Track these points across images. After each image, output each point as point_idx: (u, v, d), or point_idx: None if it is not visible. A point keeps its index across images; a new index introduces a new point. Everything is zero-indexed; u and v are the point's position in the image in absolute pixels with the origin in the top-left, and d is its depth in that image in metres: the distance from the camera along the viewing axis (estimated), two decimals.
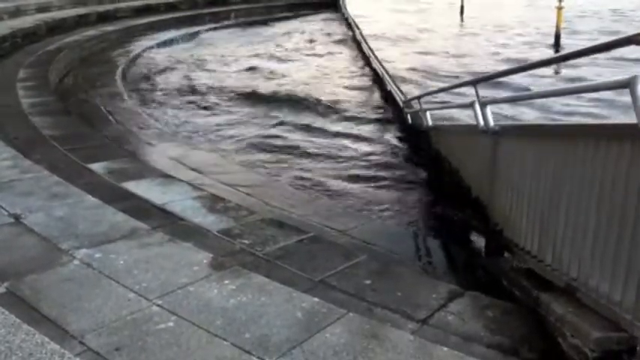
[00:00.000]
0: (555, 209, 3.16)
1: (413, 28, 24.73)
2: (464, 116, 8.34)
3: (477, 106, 4.49)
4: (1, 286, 2.80)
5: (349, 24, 23.45)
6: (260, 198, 5.67)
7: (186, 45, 18.86)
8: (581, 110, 10.90)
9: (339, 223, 5.07)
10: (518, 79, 10.88)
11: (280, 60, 17.08)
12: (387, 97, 11.67)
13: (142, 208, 4.45)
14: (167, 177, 5.62)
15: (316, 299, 2.81)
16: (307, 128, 10.03)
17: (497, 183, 4.23)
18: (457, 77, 13.21)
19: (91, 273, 2.98)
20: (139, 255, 3.21)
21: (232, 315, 2.60)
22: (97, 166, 5.67)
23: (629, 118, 2.44)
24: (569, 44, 17.76)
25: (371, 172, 7.67)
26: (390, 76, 12.35)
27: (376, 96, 12.64)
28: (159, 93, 12.31)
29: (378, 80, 13.39)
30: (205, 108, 11.45)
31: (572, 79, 13.10)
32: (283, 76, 14.57)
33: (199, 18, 23.15)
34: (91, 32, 16.62)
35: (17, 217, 3.71)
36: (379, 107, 11.59)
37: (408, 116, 9.06)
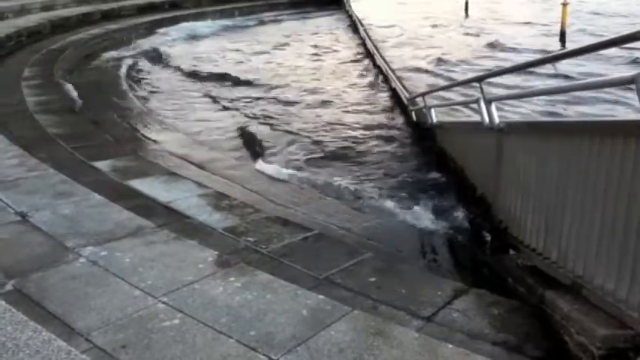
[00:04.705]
0: (561, 206, 3.15)
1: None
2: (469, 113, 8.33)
3: (482, 103, 4.47)
4: (7, 284, 2.82)
5: (354, 21, 23.36)
6: (265, 196, 5.67)
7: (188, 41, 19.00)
8: None
9: (344, 221, 5.07)
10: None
11: None
12: (392, 94, 11.64)
13: (147, 206, 4.47)
14: (172, 175, 5.64)
15: (321, 296, 2.81)
16: None
17: (502, 180, 4.22)
18: None
19: (96, 271, 3.00)
20: (144, 253, 3.23)
21: (237, 312, 2.61)
22: (102, 164, 5.69)
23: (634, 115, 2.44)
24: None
25: (374, 170, 7.65)
26: (394, 73, 12.32)
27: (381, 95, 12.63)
28: (161, 91, 12.32)
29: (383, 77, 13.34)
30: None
31: None
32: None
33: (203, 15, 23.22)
34: (95, 30, 16.66)
35: (23, 215, 3.72)
36: (385, 105, 11.57)
37: (413, 114, 9.03)
